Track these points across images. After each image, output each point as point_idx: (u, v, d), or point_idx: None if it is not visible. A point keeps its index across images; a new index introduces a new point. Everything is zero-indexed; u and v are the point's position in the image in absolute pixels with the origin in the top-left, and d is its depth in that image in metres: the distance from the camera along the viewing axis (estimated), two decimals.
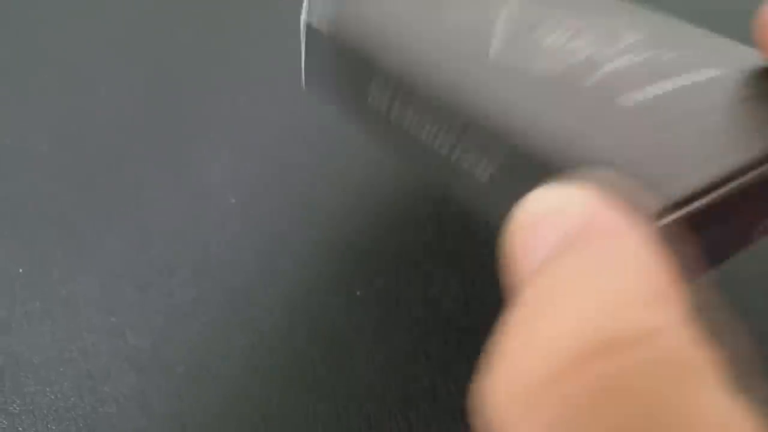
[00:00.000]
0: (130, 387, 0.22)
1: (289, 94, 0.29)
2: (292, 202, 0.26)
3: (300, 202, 0.26)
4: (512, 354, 0.10)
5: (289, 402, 0.22)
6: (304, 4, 0.19)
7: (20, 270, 0.24)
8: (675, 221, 0.12)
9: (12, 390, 0.22)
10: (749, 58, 0.17)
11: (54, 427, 0.21)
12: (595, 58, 0.16)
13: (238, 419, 0.21)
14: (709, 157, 0.13)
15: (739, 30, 0.17)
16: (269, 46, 0.31)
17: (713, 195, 0.13)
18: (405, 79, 0.16)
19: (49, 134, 0.27)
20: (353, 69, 0.17)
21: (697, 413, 0.09)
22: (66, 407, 0.22)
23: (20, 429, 0.21)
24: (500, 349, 0.10)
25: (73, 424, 0.21)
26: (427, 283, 0.24)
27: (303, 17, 0.19)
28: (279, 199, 0.26)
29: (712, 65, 0.16)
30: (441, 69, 0.15)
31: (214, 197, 0.26)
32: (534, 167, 0.14)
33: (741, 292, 0.23)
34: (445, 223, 0.25)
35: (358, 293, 0.24)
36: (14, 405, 0.22)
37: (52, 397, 0.22)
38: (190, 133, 0.28)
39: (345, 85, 0.18)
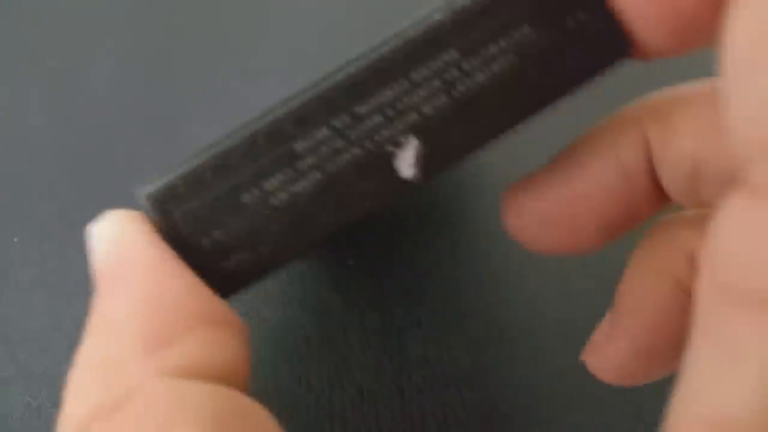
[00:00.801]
0: None
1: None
2: None
3: None
4: None
5: (282, 373, 0.22)
6: None
7: (15, 239, 0.24)
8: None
9: (4, 355, 0.22)
10: None
11: (46, 392, 0.22)
12: None
13: None
14: None
15: None
16: (274, 31, 0.31)
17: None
18: None
19: (47, 108, 0.28)
20: None
21: None
22: (59, 374, 0.22)
23: (14, 393, 0.21)
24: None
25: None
26: (418, 253, 0.24)
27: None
28: None
29: None
30: None
31: None
32: None
33: None
34: (437, 193, 0.25)
35: (350, 263, 0.24)
36: (7, 371, 0.22)
37: (46, 363, 0.22)
38: (189, 113, 0.28)
39: None
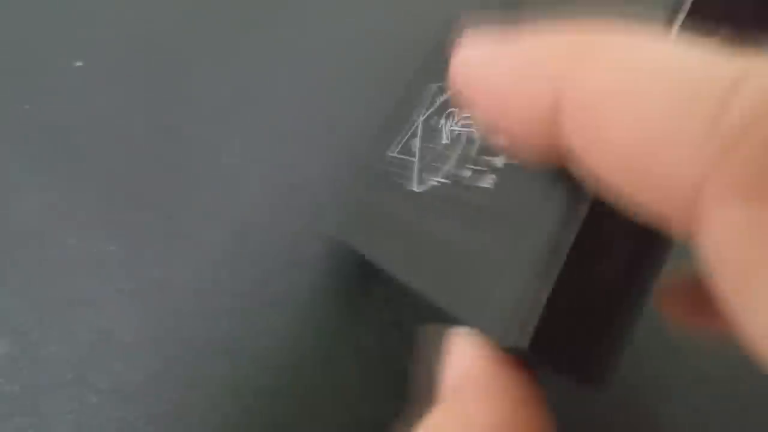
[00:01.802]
0: (221, 373, 0.22)
1: None
2: None
3: None
4: None
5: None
6: None
7: (112, 248, 0.24)
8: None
9: (101, 368, 0.22)
10: None
11: (141, 408, 0.21)
12: None
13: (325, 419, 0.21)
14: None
15: None
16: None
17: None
18: None
19: (147, 119, 0.28)
20: None
21: None
22: (154, 389, 0.21)
23: (108, 407, 0.21)
24: None
25: (161, 407, 0.21)
26: None
27: None
28: None
29: None
30: None
31: (308, 191, 0.26)
32: None
33: None
34: None
35: None
36: (103, 383, 0.21)
37: (141, 377, 0.22)
38: (289, 129, 0.28)
39: None
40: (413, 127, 0.20)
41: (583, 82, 0.10)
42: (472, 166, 0.16)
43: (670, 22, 0.12)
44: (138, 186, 0.26)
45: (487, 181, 0.15)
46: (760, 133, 0.08)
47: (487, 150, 0.16)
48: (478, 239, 0.14)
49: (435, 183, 0.17)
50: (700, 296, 0.14)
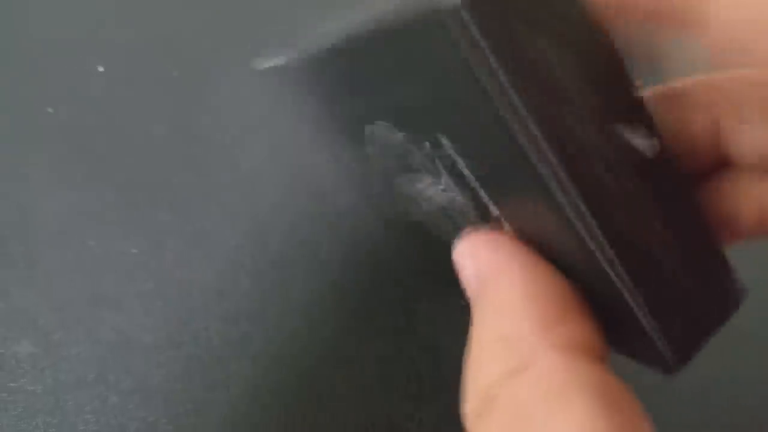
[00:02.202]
0: (242, 375, 0.22)
1: None
2: None
3: None
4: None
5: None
6: None
7: (134, 251, 0.24)
8: None
9: (122, 368, 0.22)
10: None
11: (162, 408, 0.21)
12: None
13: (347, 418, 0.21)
14: None
15: None
16: None
17: None
18: None
19: (168, 122, 0.28)
20: None
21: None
22: (175, 389, 0.22)
23: (130, 407, 0.21)
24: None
25: (182, 407, 0.21)
26: None
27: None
28: None
29: None
30: None
31: (328, 195, 0.26)
32: None
33: None
34: None
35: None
36: (124, 383, 0.22)
37: (161, 378, 0.22)
38: (311, 134, 0.28)
39: None
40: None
41: None
42: None
43: None
44: (159, 188, 0.26)
45: None
46: None
47: None
48: None
49: None
50: None
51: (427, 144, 0.15)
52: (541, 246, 0.14)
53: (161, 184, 0.26)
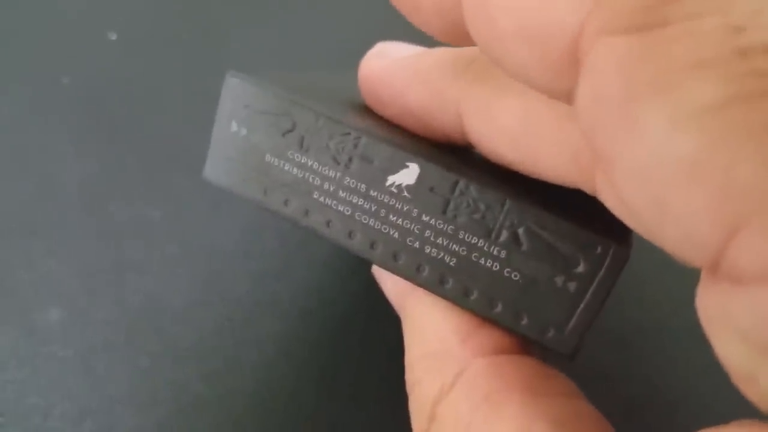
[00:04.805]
0: (272, 333, 0.22)
1: None
2: None
3: None
4: None
5: None
6: None
7: (155, 214, 0.24)
8: None
9: (152, 330, 0.22)
10: None
11: (193, 368, 0.21)
12: None
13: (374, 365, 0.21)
14: None
15: None
16: None
17: None
18: None
19: (184, 85, 0.27)
20: None
21: None
22: (206, 349, 0.21)
23: (162, 368, 0.21)
24: None
25: (212, 364, 0.21)
26: None
27: None
28: None
29: None
30: None
31: None
32: None
33: None
34: None
35: None
36: (154, 345, 0.22)
37: (191, 339, 0.22)
38: None
39: None
40: None
41: None
42: None
43: None
44: (178, 152, 0.26)
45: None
46: None
47: None
48: None
49: None
50: None
51: None
52: None
53: (181, 148, 0.26)
